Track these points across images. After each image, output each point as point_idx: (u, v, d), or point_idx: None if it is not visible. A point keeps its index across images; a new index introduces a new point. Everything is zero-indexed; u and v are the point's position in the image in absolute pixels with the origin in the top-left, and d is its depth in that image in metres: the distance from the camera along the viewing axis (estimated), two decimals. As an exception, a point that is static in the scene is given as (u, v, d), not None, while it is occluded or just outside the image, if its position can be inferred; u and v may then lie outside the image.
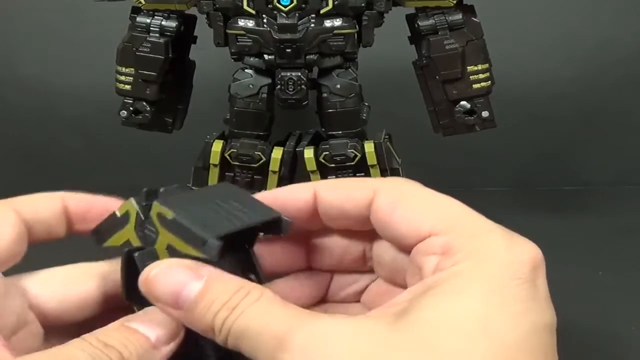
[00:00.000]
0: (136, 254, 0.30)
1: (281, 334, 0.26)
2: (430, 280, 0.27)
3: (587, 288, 0.53)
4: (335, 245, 0.34)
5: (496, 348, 0.25)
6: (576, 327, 0.45)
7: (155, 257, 0.30)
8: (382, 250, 0.33)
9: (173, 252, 0.29)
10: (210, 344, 0.29)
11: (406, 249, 0.31)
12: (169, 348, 0.29)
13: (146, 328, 0.29)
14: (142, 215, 0.31)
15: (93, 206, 0.33)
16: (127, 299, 0.31)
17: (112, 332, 0.28)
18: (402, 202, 0.30)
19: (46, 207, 0.32)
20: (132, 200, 0.31)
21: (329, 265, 0.34)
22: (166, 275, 0.28)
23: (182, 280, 0.28)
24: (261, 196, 0.32)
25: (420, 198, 0.30)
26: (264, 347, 0.26)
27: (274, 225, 0.31)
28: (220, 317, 0.27)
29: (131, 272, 0.30)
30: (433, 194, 0.31)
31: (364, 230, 0.33)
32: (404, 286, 0.32)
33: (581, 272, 0.56)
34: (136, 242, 0.31)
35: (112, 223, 0.32)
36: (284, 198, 0.32)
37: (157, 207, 0.30)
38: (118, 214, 0.31)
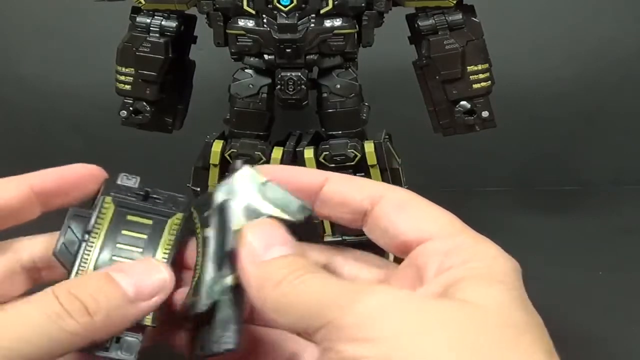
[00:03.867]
0: (221, 203, 0.33)
1: (364, 285, 0.28)
2: (450, 274, 0.29)
3: (587, 288, 0.53)
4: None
5: (538, 326, 0.27)
6: (576, 327, 0.45)
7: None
8: (345, 270, 0.35)
9: (249, 212, 0.32)
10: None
11: (401, 246, 0.32)
12: (149, 304, 0.30)
13: (128, 280, 0.29)
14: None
15: (63, 179, 0.34)
16: None
17: (89, 281, 0.29)
18: (408, 204, 0.33)
19: (8, 193, 0.32)
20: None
21: None
22: (269, 228, 0.31)
23: (280, 238, 0.31)
24: (276, 168, 0.35)
25: (424, 206, 0.33)
26: (340, 294, 0.27)
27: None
28: (296, 273, 0.29)
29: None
30: (435, 206, 0.33)
31: None
32: None
33: (581, 272, 0.56)
34: None
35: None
36: (297, 174, 0.35)
37: (247, 169, 0.34)
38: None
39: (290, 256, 0.30)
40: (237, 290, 0.31)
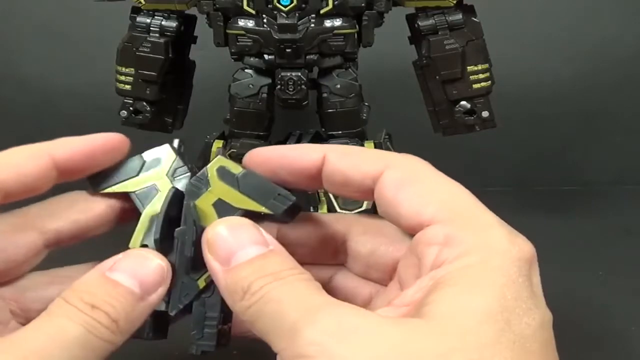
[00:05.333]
0: (186, 203, 0.31)
1: (313, 310, 0.26)
2: (439, 274, 0.27)
3: (587, 288, 0.53)
4: (309, 237, 0.34)
5: (518, 342, 0.25)
6: (576, 327, 0.45)
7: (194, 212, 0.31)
8: (360, 244, 0.33)
9: (222, 207, 0.31)
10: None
11: (406, 230, 0.30)
12: (155, 296, 0.29)
13: (129, 279, 0.28)
14: (180, 162, 0.33)
15: (92, 151, 0.32)
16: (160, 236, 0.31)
17: (95, 289, 0.28)
18: (409, 182, 0.30)
19: (27, 165, 0.31)
20: (169, 147, 0.33)
21: (299, 256, 0.31)
22: (240, 226, 0.29)
23: (250, 237, 0.29)
24: (270, 149, 0.32)
25: (428, 181, 0.30)
26: (291, 317, 0.26)
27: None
28: (260, 282, 0.27)
29: (174, 207, 0.31)
30: (441, 179, 0.30)
31: (341, 224, 0.34)
32: (378, 281, 0.33)
33: (581, 272, 0.56)
34: (165, 186, 0.32)
35: (130, 167, 0.33)
36: (293, 155, 0.32)
37: (221, 160, 0.32)
38: (145, 158, 0.33)
39: (259, 259, 0.28)
40: (211, 288, 0.31)
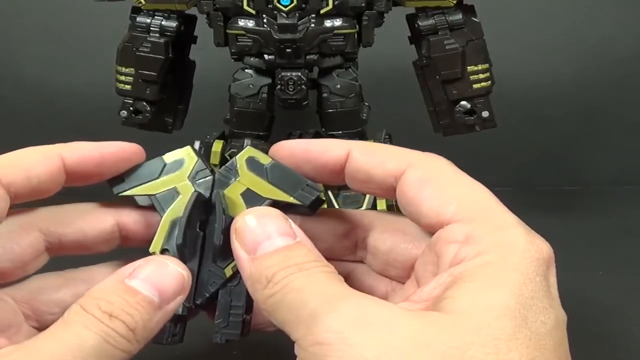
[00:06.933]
0: (215, 192, 0.32)
1: (334, 299, 0.26)
2: (458, 270, 0.27)
3: (587, 288, 0.53)
4: (329, 232, 0.34)
5: (534, 339, 0.25)
6: (576, 327, 0.45)
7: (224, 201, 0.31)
8: (380, 241, 0.33)
9: (250, 197, 0.31)
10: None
11: (426, 229, 0.31)
12: (174, 304, 0.29)
13: (148, 287, 0.28)
14: (202, 164, 0.33)
15: (103, 160, 0.32)
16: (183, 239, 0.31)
17: (113, 297, 0.27)
18: (430, 181, 0.30)
19: (38, 167, 0.30)
20: (191, 149, 0.33)
21: (319, 250, 0.31)
22: (267, 217, 0.29)
23: (277, 228, 0.29)
24: (295, 143, 0.33)
25: (449, 180, 0.30)
26: (311, 305, 0.26)
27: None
28: (283, 272, 0.27)
29: (197, 212, 0.31)
30: (463, 178, 0.31)
31: (364, 220, 0.34)
32: (396, 278, 0.33)
33: (581, 272, 0.56)
34: (186, 189, 0.32)
35: (150, 169, 0.33)
36: (317, 150, 0.32)
37: (250, 151, 0.32)
38: (166, 160, 0.33)
39: (284, 250, 0.28)
40: (237, 277, 0.31)
